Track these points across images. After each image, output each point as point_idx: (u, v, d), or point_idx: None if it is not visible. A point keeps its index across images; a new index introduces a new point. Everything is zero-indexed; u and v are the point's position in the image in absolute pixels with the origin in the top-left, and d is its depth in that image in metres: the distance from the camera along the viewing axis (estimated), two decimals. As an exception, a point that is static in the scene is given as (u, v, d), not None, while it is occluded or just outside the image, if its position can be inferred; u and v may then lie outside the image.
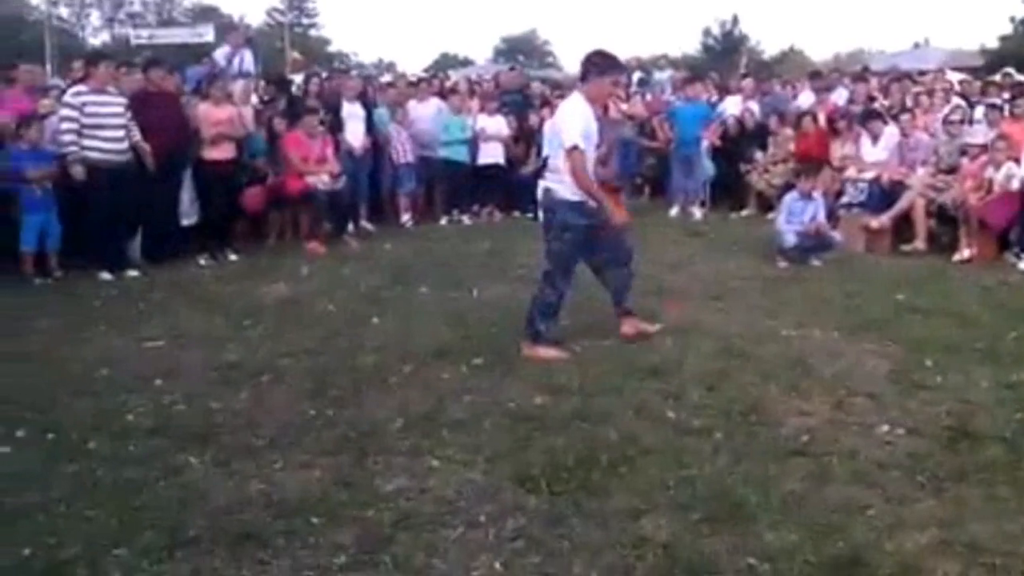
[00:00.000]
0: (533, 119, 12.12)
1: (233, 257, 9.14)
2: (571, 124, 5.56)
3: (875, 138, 10.44)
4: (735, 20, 48.47)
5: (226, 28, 18.03)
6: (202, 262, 8.89)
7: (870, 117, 10.76)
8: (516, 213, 11.77)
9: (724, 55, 43.23)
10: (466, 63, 51.67)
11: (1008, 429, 4.47)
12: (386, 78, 16.31)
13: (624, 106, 12.73)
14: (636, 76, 15.41)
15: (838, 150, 10.98)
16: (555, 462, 4.03)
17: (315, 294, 7.61)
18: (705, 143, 12.11)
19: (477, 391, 5.06)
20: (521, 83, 13.95)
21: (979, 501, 3.73)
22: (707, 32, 49.30)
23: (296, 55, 17.62)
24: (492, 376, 5.32)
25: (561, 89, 13.35)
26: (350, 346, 6.01)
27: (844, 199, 10.38)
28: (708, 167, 12.15)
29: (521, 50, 60.98)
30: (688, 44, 51.03)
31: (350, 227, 10.52)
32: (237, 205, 9.47)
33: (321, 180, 9.81)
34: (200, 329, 6.53)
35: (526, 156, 11.89)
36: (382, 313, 6.89)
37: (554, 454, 4.13)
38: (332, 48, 57.53)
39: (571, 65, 52.58)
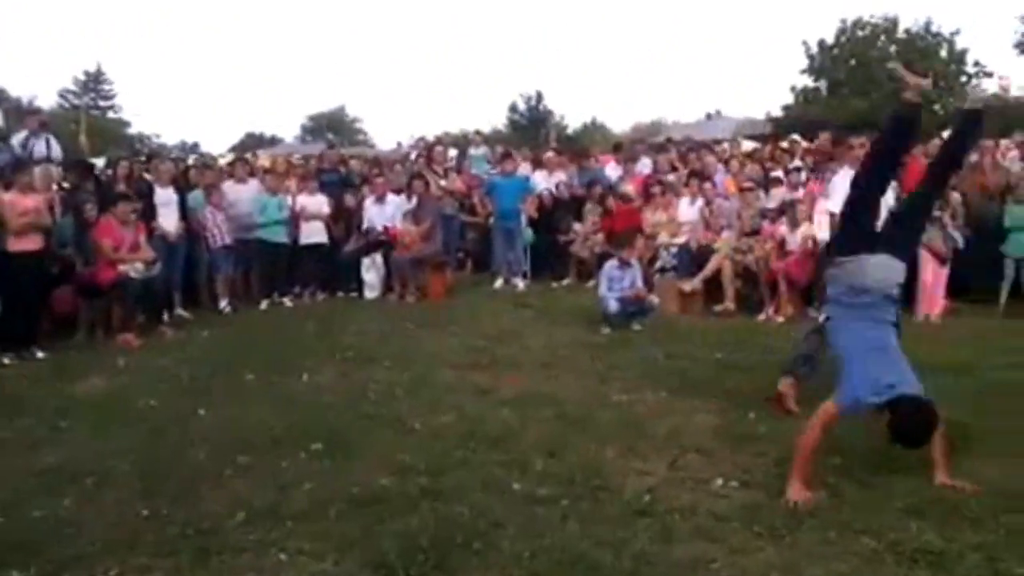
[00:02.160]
0: (349, 198, 12.11)
1: (40, 354, 8.55)
2: None
3: (692, 199, 11.10)
4: (539, 96, 50.31)
5: (22, 112, 17.10)
6: (6, 361, 8.27)
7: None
8: (340, 293, 11.66)
9: (530, 129, 44.72)
10: (274, 141, 51.07)
11: (830, 474, 4.77)
12: (191, 160, 15.87)
13: (443, 182, 12.94)
14: (452, 153, 15.72)
15: (651, 217, 11.56)
16: (409, 545, 3.97)
17: (134, 388, 7.17)
18: (523, 216, 12.43)
19: (319, 477, 4.91)
20: (338, 161, 13.93)
21: (813, 545, 3.96)
22: (513, 108, 50.88)
23: (83, 138, 16.77)
24: (333, 461, 5.19)
25: (380, 167, 13.45)
26: (179, 441, 5.71)
27: (658, 264, 10.91)
28: (527, 234, 12.43)
29: (330, 127, 60.88)
30: (495, 119, 52.28)
31: (165, 316, 10.09)
32: (45, 299, 8.90)
33: (134, 268, 9.37)
34: (10, 433, 6.05)
35: (347, 234, 11.84)
36: (208, 404, 6.57)
37: (407, 537, 4.06)
38: (132, 130, 55.45)
39: (384, 142, 53.10)
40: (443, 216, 12.13)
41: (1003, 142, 12.07)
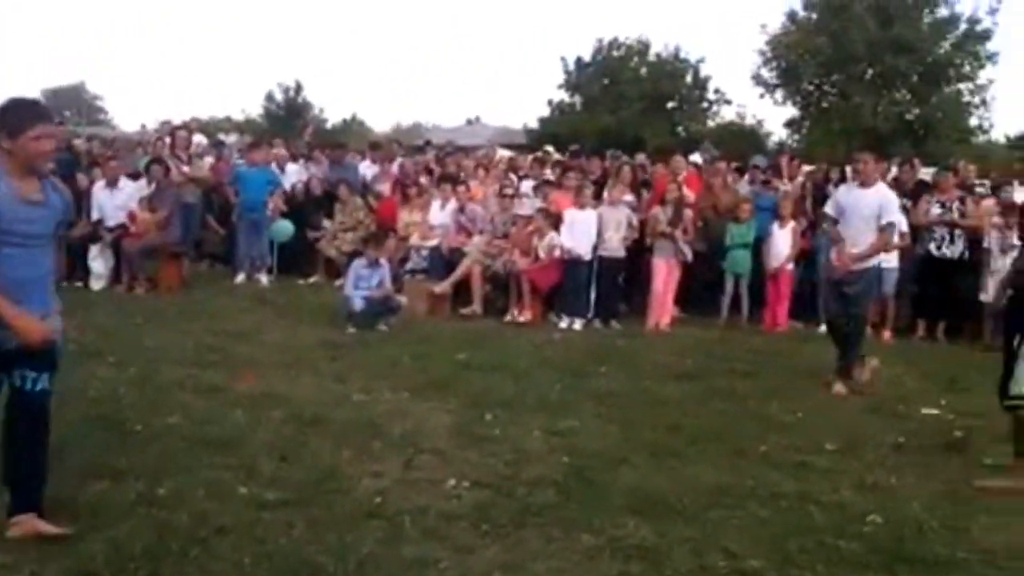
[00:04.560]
0: (81, 179, 11.22)
1: None
2: None
3: (444, 203, 11.16)
4: (298, 87, 49.07)
5: None
6: None
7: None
8: (63, 283, 10.72)
9: (288, 121, 43.50)
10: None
11: (557, 473, 4.92)
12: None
13: (186, 169, 12.26)
14: (196, 139, 14.93)
15: (406, 216, 11.53)
16: (119, 553, 3.67)
17: None
18: (271, 208, 11.98)
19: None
20: (65, 140, 12.82)
21: (537, 543, 4.04)
22: (270, 97, 49.29)
23: None
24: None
25: (115, 149, 12.56)
26: None
27: (409, 265, 10.89)
28: (285, 228, 11.95)
29: (67, 104, 56.41)
30: (251, 108, 50.16)
31: None
32: None
33: None
34: None
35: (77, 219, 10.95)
36: None
37: (117, 544, 3.75)
38: None
39: (127, 123, 49.88)
40: (183, 204, 11.46)
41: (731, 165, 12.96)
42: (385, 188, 12.42)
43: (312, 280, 11.96)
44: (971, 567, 3.97)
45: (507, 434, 5.62)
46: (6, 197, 3.63)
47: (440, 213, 11.28)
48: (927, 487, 4.95)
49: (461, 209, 11.03)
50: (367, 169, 13.40)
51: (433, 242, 11.01)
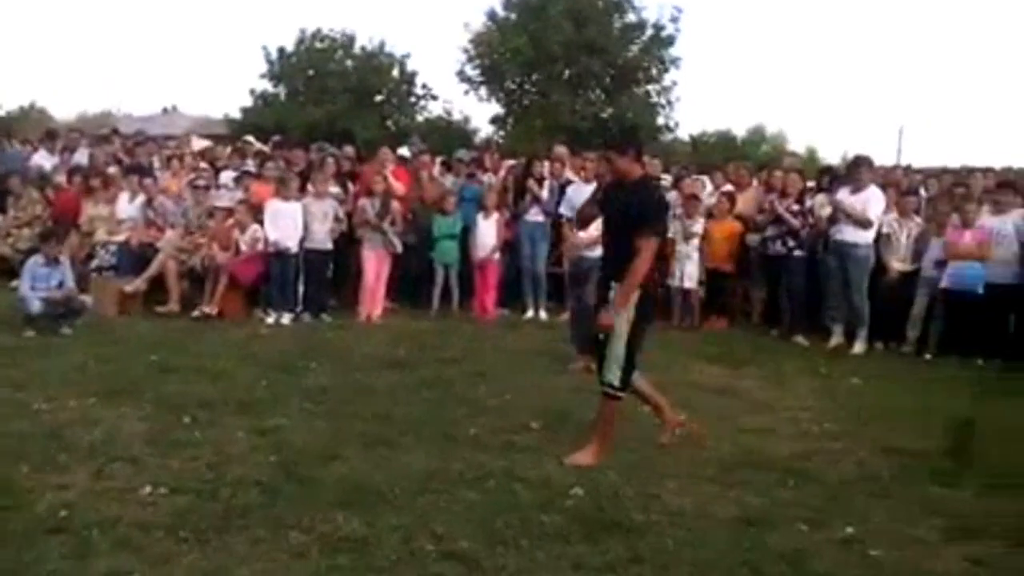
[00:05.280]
0: None
1: None
2: None
3: (132, 196, 10.40)
4: (-34, 72, 44.22)
5: None
6: None
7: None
8: None
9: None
10: None
11: (263, 473, 4.73)
12: None
13: None
14: None
15: (90, 210, 10.64)
16: None
17: None
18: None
19: None
20: None
21: (242, 546, 3.85)
22: (-69, 82, 44.04)
23: None
24: None
25: None
26: None
27: (95, 263, 10.07)
28: None
29: None
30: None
31: None
32: None
33: None
34: None
35: None
36: None
37: None
38: None
39: None
40: None
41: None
42: (62, 179, 11.39)
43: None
44: (663, 529, 4.25)
45: (208, 437, 5.33)
46: None
47: (128, 206, 10.52)
48: (622, 458, 5.24)
49: (150, 202, 10.35)
50: (44, 160, 12.24)
51: (121, 237, 10.25)
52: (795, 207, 9.57)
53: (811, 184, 10.53)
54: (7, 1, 77.64)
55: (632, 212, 5.13)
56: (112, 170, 11.44)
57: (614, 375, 5.16)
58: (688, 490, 4.81)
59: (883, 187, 9.58)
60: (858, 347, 9.09)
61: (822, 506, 4.67)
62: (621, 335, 5.11)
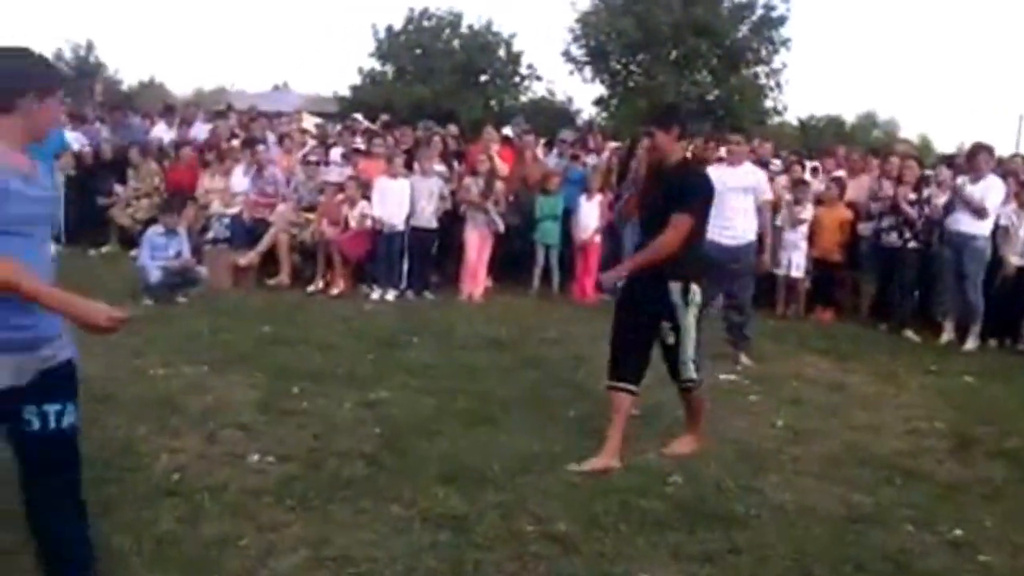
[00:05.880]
0: None
1: None
2: None
3: (255, 169, 10.70)
4: (90, 46, 46.00)
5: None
6: None
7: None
8: None
9: (78, 82, 40.78)
10: None
11: (367, 445, 4.82)
12: None
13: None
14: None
15: (206, 183, 10.99)
16: None
17: None
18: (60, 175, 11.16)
19: None
20: None
21: (344, 516, 3.94)
22: (59, 56, 45.94)
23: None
24: None
25: None
26: None
27: (209, 234, 10.40)
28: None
29: None
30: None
31: None
32: None
33: None
34: None
35: None
36: None
37: None
38: None
39: None
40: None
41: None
42: (184, 152, 11.78)
43: (105, 250, 11.25)
44: (764, 522, 4.18)
45: (316, 407, 5.46)
46: (10, 173, 2.69)
47: (243, 180, 10.83)
48: (724, 449, 5.17)
49: (260, 171, 10.62)
50: (163, 132, 12.70)
51: (235, 210, 10.57)
52: (911, 196, 9.22)
53: (928, 173, 10.14)
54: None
55: (674, 195, 4.76)
56: (228, 144, 11.78)
57: (689, 370, 4.93)
58: (791, 484, 4.71)
59: (1003, 176, 9.16)
60: (970, 344, 8.73)
61: (930, 506, 4.52)
62: (689, 331, 4.84)
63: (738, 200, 7.30)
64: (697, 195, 4.85)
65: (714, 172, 7.61)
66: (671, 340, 4.85)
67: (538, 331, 8.28)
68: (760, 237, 7.55)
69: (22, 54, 2.81)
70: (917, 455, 5.37)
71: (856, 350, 8.25)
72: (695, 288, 4.78)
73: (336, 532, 3.77)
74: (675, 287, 4.75)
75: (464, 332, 8.08)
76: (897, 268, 9.29)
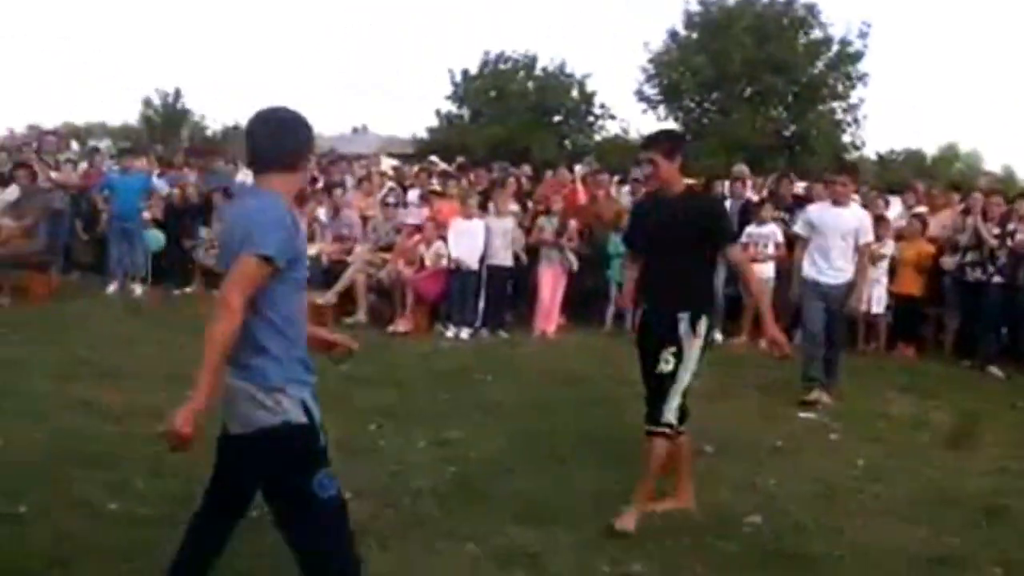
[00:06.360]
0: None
1: None
2: None
3: (326, 212, 10.92)
4: (178, 93, 47.60)
5: None
6: None
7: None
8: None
9: (166, 128, 42.25)
10: None
11: (441, 483, 4.87)
12: None
13: (55, 174, 11.73)
14: (75, 144, 14.38)
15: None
16: (-32, 576, 3.46)
17: None
18: (147, 216, 11.60)
19: None
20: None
21: (419, 554, 3.99)
22: (147, 103, 47.66)
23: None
24: None
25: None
26: None
27: (289, 275, 10.62)
28: (156, 238, 11.60)
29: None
30: (127, 113, 48.36)
31: None
32: None
33: None
34: None
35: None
36: None
37: (-33, 566, 3.54)
38: None
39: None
40: (51, 211, 10.95)
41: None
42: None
43: (188, 290, 11.59)
44: (846, 563, 4.10)
45: (392, 445, 5.55)
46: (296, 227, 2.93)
47: (323, 223, 11.08)
48: (804, 488, 5.09)
49: (336, 213, 10.86)
50: (248, 177, 13.06)
51: (314, 251, 10.80)
52: (996, 230, 9.00)
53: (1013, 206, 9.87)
54: (214, 31, 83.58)
55: (703, 224, 4.57)
56: (310, 187, 12.07)
57: (673, 413, 4.44)
58: (874, 526, 4.61)
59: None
60: (1058, 380, 8.45)
61: (1019, 548, 4.38)
62: (690, 362, 4.47)
63: (842, 241, 7.29)
64: (731, 222, 4.85)
65: (816, 211, 7.62)
66: (668, 368, 4.44)
67: (611, 368, 8.24)
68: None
69: (310, 123, 3.09)
70: (1005, 495, 5.21)
71: (939, 387, 8.05)
72: (704, 319, 4.54)
73: (411, 570, 3.82)
74: (684, 316, 4.50)
75: (537, 370, 8.11)
76: (981, 303, 9.06)
